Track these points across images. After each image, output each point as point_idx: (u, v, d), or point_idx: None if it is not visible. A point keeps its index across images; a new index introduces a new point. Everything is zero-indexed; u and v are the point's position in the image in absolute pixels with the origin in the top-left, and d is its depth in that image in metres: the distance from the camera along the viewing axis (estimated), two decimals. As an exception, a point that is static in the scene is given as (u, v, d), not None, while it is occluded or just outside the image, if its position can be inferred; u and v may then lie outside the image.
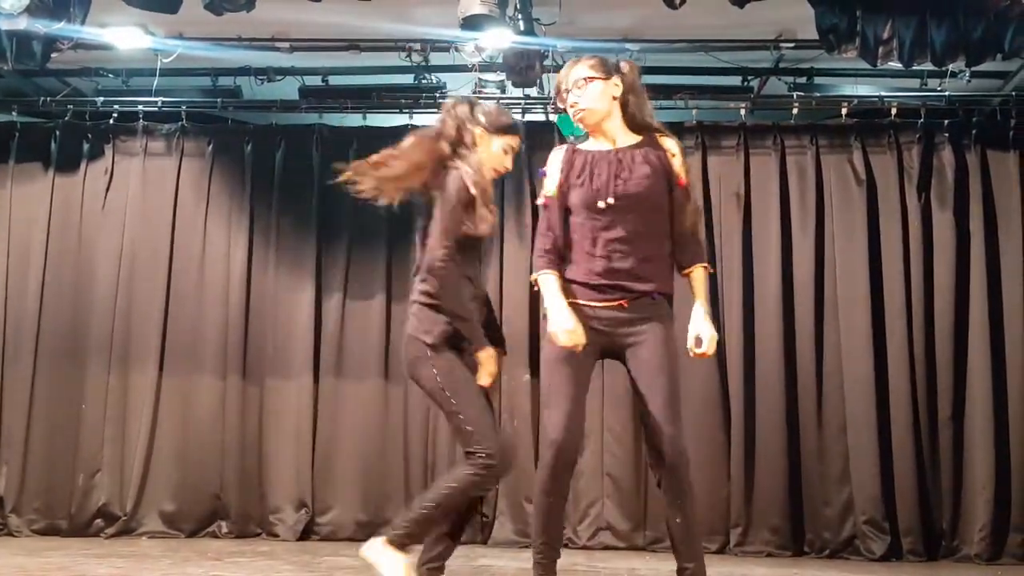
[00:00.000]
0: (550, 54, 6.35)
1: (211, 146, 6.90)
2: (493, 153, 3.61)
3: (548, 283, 3.39)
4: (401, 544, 3.37)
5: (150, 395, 6.57)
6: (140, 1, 5.38)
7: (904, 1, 5.49)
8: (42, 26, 5.35)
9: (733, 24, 5.91)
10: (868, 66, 5.71)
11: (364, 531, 6.34)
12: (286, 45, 6.45)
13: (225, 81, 6.86)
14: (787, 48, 6.38)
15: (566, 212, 3.45)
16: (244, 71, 6.76)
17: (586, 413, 3.47)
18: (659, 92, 6.63)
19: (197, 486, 6.53)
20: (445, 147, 3.58)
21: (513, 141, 3.67)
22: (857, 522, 6.19)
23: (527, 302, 6.56)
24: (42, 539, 6.30)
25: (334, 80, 6.84)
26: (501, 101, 6.76)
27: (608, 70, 3.51)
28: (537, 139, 6.76)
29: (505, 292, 6.61)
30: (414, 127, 6.74)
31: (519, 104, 6.76)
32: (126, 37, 6.21)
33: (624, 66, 3.57)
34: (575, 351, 3.29)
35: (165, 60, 6.48)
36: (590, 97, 3.46)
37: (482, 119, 3.63)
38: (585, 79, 3.47)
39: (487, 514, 6.42)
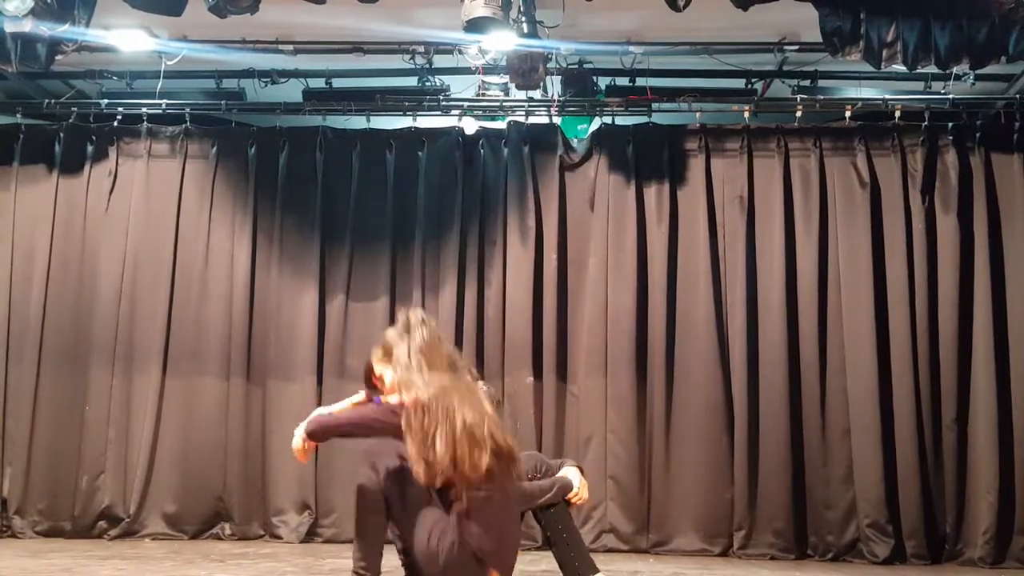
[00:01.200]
0: (553, 57, 6.36)
1: (215, 148, 6.91)
2: None
3: None
4: None
5: (153, 397, 6.58)
6: (144, 3, 5.39)
7: (908, 4, 5.49)
8: (46, 28, 5.37)
9: (737, 27, 5.92)
10: (872, 69, 5.71)
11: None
12: (290, 48, 6.47)
13: (229, 83, 6.87)
14: (791, 51, 6.39)
15: None
16: (248, 73, 6.77)
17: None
18: (663, 94, 6.67)
19: (200, 488, 6.53)
20: None
21: None
22: (860, 525, 6.18)
23: (530, 304, 6.56)
24: (46, 541, 6.30)
25: (338, 83, 6.85)
26: (504, 103, 6.79)
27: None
28: (541, 141, 6.81)
29: (508, 294, 6.61)
30: (417, 129, 6.84)
31: (522, 106, 6.77)
32: (130, 39, 6.22)
33: None
34: None
35: (169, 62, 6.49)
36: None
37: None
38: None
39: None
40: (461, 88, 6.80)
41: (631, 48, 6.39)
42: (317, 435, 3.58)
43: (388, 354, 3.67)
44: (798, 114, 6.64)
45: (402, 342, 3.64)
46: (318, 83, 6.85)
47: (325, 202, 6.83)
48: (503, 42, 5.75)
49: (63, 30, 5.41)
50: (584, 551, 3.87)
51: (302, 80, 6.84)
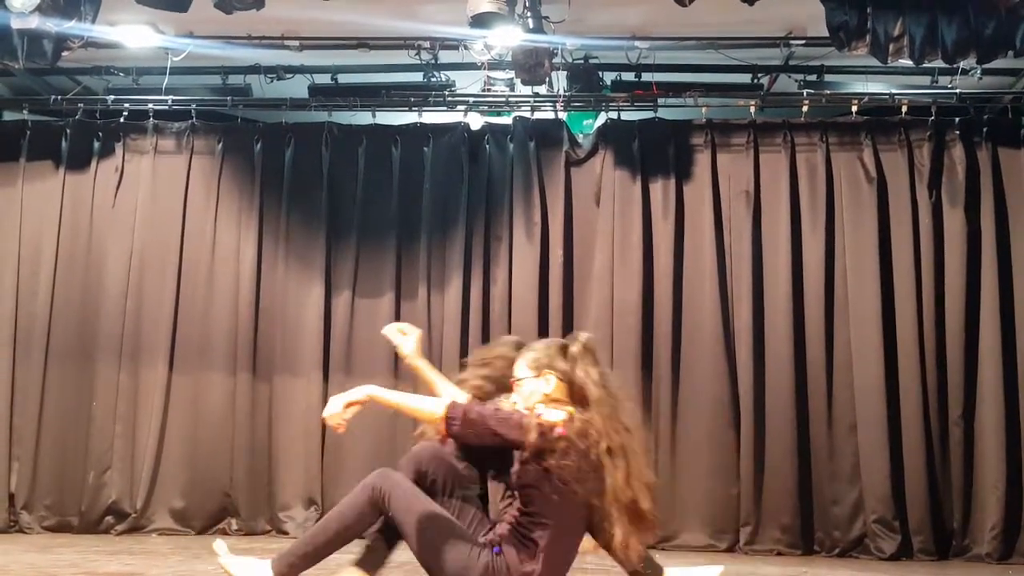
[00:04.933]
0: (559, 52, 6.35)
1: (221, 144, 6.92)
2: None
3: None
4: None
5: (160, 393, 6.59)
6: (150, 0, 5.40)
7: (915, -2, 5.48)
8: (53, 24, 5.36)
9: (743, 21, 5.89)
10: (878, 63, 5.69)
11: (373, 528, 6.35)
12: (296, 43, 6.47)
13: (235, 79, 6.87)
14: (797, 45, 6.37)
15: None
16: (254, 69, 6.77)
17: None
18: (669, 90, 6.65)
19: (207, 483, 6.55)
20: None
21: None
22: (867, 521, 6.17)
23: (535, 300, 6.56)
24: (53, 536, 6.32)
25: (343, 78, 6.85)
26: (510, 99, 6.78)
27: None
28: (547, 136, 6.80)
29: (514, 289, 6.61)
30: (422, 125, 6.83)
31: (528, 102, 6.77)
32: (136, 35, 6.23)
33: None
34: None
35: (175, 58, 6.50)
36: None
37: None
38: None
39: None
40: (467, 83, 6.79)
41: (637, 43, 6.37)
42: (459, 433, 3.13)
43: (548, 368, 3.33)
44: (804, 109, 6.63)
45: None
46: (324, 79, 6.84)
47: (331, 198, 6.84)
48: (508, 37, 5.75)
49: (69, 26, 5.40)
50: None
51: (308, 76, 6.84)
